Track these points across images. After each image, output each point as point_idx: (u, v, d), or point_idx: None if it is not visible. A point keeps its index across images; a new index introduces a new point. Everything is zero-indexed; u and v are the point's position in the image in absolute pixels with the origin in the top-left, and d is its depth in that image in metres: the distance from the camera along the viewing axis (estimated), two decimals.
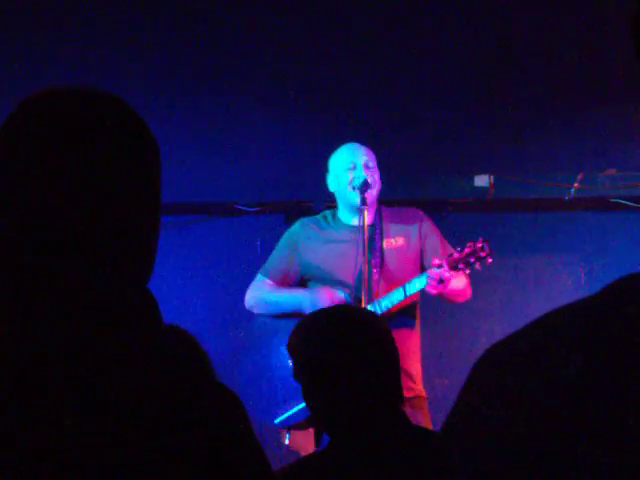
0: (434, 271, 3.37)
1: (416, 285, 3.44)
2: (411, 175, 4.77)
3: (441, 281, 3.36)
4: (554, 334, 0.71)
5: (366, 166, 3.60)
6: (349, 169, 3.62)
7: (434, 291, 3.40)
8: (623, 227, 4.96)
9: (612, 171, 4.71)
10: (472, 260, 3.39)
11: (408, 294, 3.46)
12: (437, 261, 3.38)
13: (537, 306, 4.88)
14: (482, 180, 4.70)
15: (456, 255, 3.39)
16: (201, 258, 4.99)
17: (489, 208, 4.96)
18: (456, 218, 4.97)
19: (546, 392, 0.67)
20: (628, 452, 0.63)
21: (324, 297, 3.49)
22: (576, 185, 4.71)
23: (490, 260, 3.41)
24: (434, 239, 3.68)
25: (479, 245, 3.40)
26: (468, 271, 3.40)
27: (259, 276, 3.78)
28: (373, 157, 3.67)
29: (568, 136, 4.24)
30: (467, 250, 3.39)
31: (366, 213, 3.50)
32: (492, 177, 4.71)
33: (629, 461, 0.62)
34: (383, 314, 3.45)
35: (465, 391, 0.75)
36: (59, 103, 1.07)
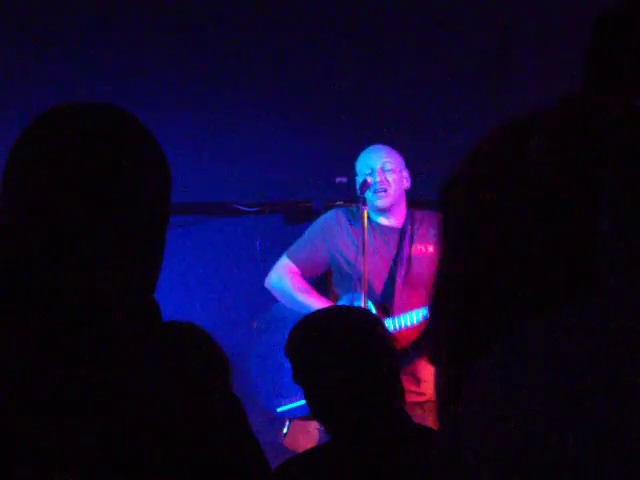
0: None
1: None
2: (410, 175, 4.77)
3: None
4: (553, 334, 0.71)
5: (382, 169, 3.60)
6: (367, 174, 3.62)
7: None
8: None
9: None
10: None
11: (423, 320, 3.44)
12: None
13: None
14: None
15: None
16: (200, 258, 4.98)
17: None
18: None
19: (546, 392, 0.67)
20: (627, 453, 0.63)
21: None
22: None
23: None
24: None
25: None
26: None
27: (286, 259, 3.71)
28: (393, 157, 3.65)
29: None
30: None
31: (365, 213, 3.51)
32: None
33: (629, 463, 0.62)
34: (400, 331, 3.44)
35: (465, 391, 0.75)
36: (69, 117, 1.12)
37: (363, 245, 3.46)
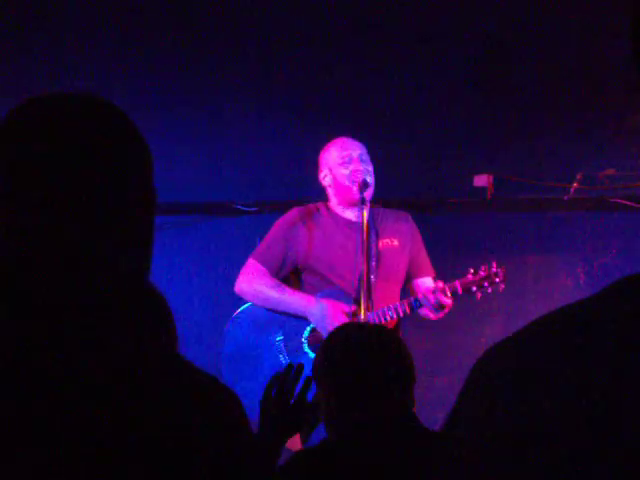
0: (432, 296, 3.34)
1: (417, 305, 3.44)
2: (410, 175, 4.78)
3: (442, 307, 3.35)
4: (553, 334, 0.72)
5: (360, 159, 3.59)
6: (345, 163, 3.60)
7: (433, 316, 3.42)
8: (622, 227, 4.96)
9: (611, 171, 4.71)
10: (485, 284, 3.39)
11: (414, 310, 3.47)
12: (440, 284, 3.35)
13: (536, 306, 4.88)
14: (481, 180, 4.70)
15: (470, 277, 3.37)
16: (200, 258, 4.99)
17: (488, 208, 4.97)
18: (455, 218, 4.97)
19: (545, 391, 0.68)
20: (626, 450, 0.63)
21: (333, 311, 3.46)
22: (575, 185, 4.71)
23: (502, 287, 3.41)
24: (419, 245, 3.70)
25: (494, 270, 3.40)
26: (480, 295, 3.40)
27: (253, 262, 3.67)
28: (365, 150, 3.66)
29: (567, 136, 4.24)
30: (482, 274, 3.38)
31: (365, 212, 3.49)
32: (491, 177, 4.72)
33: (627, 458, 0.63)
34: (387, 323, 3.45)
35: (464, 391, 0.76)
36: (50, 108, 1.10)
37: (363, 245, 3.45)
